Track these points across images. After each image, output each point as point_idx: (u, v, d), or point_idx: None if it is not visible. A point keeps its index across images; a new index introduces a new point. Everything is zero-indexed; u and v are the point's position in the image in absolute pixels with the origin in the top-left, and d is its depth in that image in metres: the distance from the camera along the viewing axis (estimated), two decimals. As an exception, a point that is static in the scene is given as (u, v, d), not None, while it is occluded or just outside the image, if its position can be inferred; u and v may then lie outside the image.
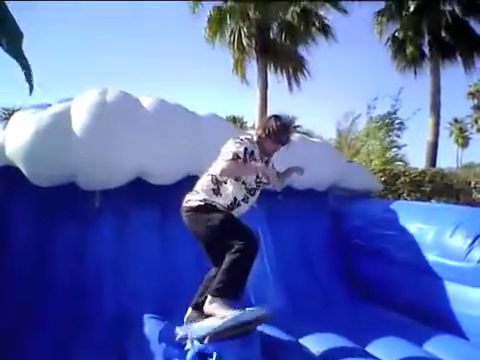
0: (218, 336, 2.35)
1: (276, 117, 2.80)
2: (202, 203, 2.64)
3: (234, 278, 2.46)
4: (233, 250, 2.46)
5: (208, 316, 2.55)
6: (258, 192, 2.86)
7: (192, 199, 2.70)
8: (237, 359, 2.33)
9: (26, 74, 3.26)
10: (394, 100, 11.84)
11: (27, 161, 3.45)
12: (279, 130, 2.75)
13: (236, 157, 2.59)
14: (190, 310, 2.83)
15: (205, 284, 2.82)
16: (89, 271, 3.61)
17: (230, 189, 2.67)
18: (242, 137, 2.75)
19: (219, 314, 2.40)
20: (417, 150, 19.97)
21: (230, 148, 2.65)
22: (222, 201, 2.67)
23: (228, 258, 2.47)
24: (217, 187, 2.68)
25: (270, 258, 4.19)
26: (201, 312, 2.69)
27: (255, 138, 2.81)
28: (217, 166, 2.66)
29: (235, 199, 2.68)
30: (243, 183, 2.71)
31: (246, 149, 2.65)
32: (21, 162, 3.47)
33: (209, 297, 2.49)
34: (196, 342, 2.45)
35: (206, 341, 2.37)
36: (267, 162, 2.88)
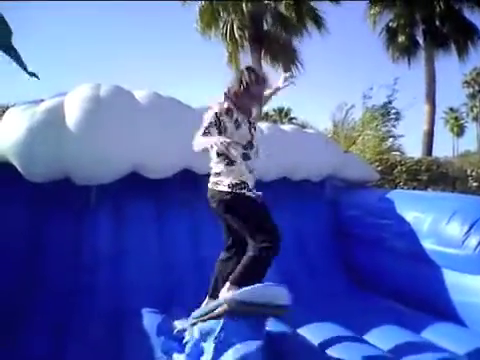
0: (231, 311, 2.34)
1: (248, 68, 2.66)
2: (229, 189, 2.52)
3: (255, 272, 2.47)
4: (258, 245, 2.43)
5: None
6: (255, 139, 2.69)
7: (220, 183, 2.58)
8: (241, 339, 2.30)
9: (20, 64, 3.20)
10: (390, 90, 11.77)
11: (21, 158, 3.42)
12: (255, 81, 2.60)
13: (207, 132, 2.46)
14: (207, 299, 2.80)
15: (219, 269, 2.77)
16: (86, 266, 3.60)
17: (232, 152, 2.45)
18: (211, 111, 2.56)
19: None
20: (413, 140, 19.99)
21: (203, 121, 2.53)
22: (235, 172, 2.55)
23: (252, 252, 2.45)
24: (228, 161, 2.56)
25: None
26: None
27: (227, 103, 2.61)
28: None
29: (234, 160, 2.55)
30: (236, 143, 2.51)
31: (211, 123, 2.50)
32: (15, 159, 3.44)
33: (228, 284, 2.47)
34: (195, 331, 2.43)
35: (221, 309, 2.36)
36: (250, 123, 2.71)
